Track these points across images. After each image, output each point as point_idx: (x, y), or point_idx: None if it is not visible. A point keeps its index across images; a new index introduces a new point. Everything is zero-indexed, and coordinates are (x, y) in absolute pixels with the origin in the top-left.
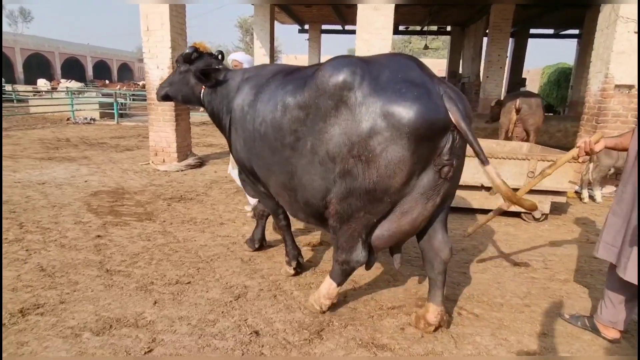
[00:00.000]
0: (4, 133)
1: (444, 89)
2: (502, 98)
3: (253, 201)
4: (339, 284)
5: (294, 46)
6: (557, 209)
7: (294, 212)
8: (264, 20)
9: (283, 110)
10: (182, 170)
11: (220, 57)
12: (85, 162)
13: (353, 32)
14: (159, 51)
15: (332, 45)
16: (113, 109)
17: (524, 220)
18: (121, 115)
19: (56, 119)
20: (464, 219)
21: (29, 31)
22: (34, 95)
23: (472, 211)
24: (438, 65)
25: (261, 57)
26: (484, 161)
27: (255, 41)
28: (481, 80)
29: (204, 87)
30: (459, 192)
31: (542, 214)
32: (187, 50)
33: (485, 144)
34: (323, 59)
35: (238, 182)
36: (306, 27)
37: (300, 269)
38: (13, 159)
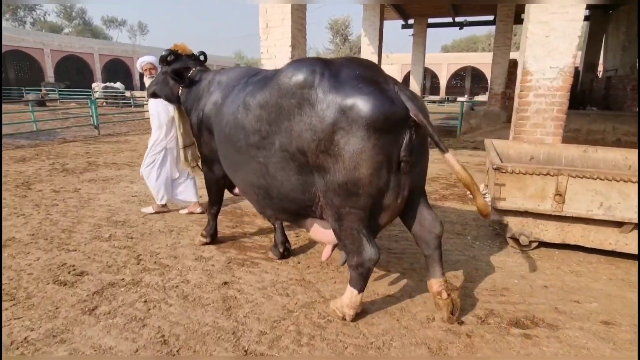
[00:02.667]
0: (124, 138)
1: (399, 87)
2: None
3: (163, 201)
4: (360, 290)
5: (385, 44)
6: None
7: (261, 209)
8: (374, 16)
9: (245, 111)
10: None
11: (202, 58)
12: (196, 170)
13: (461, 24)
14: (277, 50)
15: (431, 40)
16: None
17: None
18: None
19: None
20: None
21: (145, 43)
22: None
23: None
24: None
25: (369, 55)
26: (444, 149)
27: (363, 38)
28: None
29: (181, 87)
30: None
31: None
32: (164, 53)
33: None
34: (428, 57)
35: (147, 180)
36: (410, 21)
37: (213, 242)
38: (130, 167)
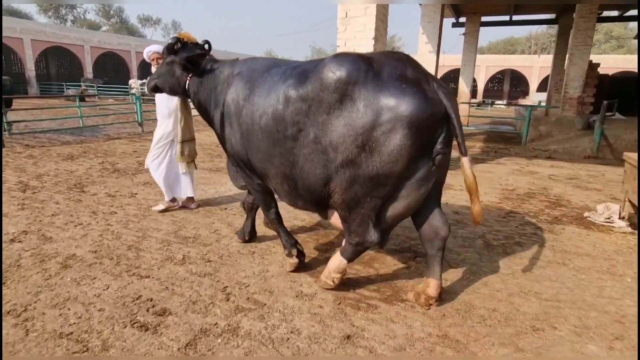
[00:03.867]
0: None
1: (437, 84)
2: None
3: (168, 197)
4: (349, 260)
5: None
6: None
7: (292, 201)
8: (434, 12)
9: (285, 103)
10: None
11: (206, 46)
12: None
13: (518, 22)
14: (357, 43)
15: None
16: None
17: None
18: None
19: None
20: None
21: None
22: None
23: None
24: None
25: (426, 54)
26: (463, 152)
27: (421, 36)
28: None
29: (189, 77)
30: None
31: None
32: (170, 41)
33: None
34: (479, 56)
35: (155, 175)
36: (461, 19)
37: (302, 256)
38: None
